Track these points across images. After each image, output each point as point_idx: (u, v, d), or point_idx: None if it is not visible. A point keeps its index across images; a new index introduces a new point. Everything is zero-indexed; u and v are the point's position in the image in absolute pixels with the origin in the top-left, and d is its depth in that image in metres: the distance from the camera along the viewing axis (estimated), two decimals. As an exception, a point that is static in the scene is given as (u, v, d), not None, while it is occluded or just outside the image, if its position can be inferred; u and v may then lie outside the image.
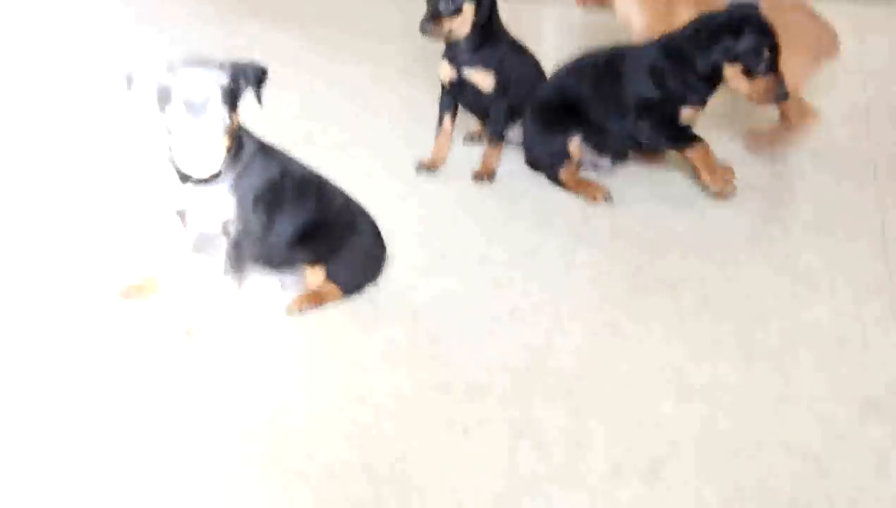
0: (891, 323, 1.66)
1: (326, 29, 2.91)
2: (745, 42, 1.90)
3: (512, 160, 2.18)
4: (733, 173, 2.01)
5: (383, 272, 1.78)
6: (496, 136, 2.14)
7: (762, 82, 1.92)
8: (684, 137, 2.00)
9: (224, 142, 1.55)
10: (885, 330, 1.65)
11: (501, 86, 2.11)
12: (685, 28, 1.97)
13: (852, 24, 2.86)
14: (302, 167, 1.70)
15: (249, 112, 1.60)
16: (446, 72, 2.14)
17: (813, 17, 2.07)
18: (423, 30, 2.05)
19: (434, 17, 2.04)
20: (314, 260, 1.72)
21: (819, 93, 2.45)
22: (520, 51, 2.17)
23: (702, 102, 1.99)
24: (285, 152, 1.69)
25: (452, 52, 2.11)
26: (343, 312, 1.71)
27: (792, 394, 1.52)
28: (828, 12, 2.81)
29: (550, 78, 2.12)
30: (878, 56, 2.66)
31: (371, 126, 2.36)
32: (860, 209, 1.98)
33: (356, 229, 1.74)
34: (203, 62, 1.56)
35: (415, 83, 2.56)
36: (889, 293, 1.73)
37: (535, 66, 2.20)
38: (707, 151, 1.99)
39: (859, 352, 1.60)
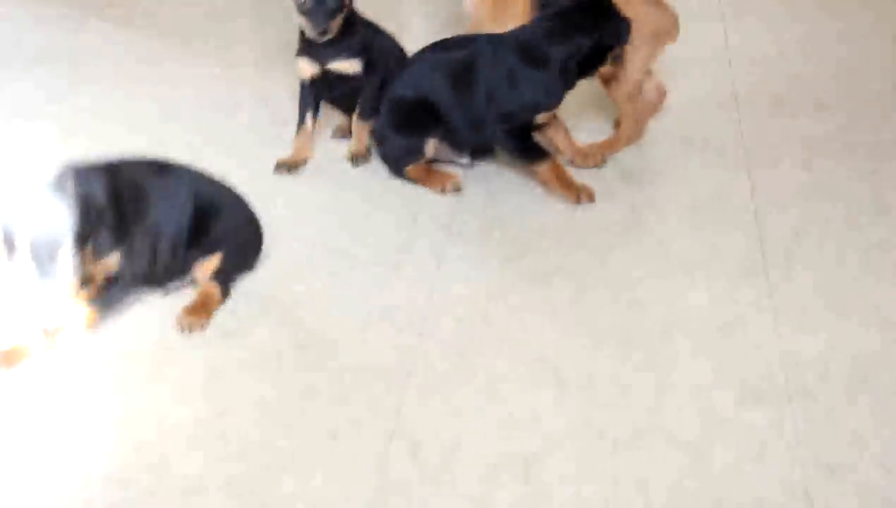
0: (767, 308, 1.74)
1: (178, 26, 2.89)
2: (611, 25, 1.99)
3: (376, 157, 2.21)
4: (590, 189, 2.08)
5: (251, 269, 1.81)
6: (366, 113, 2.18)
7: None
8: (536, 152, 2.06)
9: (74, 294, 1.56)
10: (762, 314, 1.73)
11: (370, 66, 2.16)
12: (537, 22, 2.03)
13: (724, 9, 2.98)
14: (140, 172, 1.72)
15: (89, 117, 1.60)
16: (307, 68, 2.17)
17: (652, 1, 2.15)
18: (322, 32, 2.08)
19: (329, 17, 2.08)
20: (207, 251, 1.75)
21: (690, 79, 2.55)
22: (376, 29, 2.22)
23: (559, 103, 2.06)
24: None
25: (312, 48, 2.14)
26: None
27: (670, 383, 1.59)
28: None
29: (407, 70, 2.13)
30: (751, 42, 2.77)
31: (228, 126, 2.37)
32: (734, 195, 2.07)
33: (235, 213, 1.80)
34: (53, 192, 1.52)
35: (272, 80, 2.57)
36: (764, 277, 1.82)
37: (394, 41, 2.26)
38: (558, 166, 2.07)
39: (737, 338, 1.68)
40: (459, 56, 2.07)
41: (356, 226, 1.99)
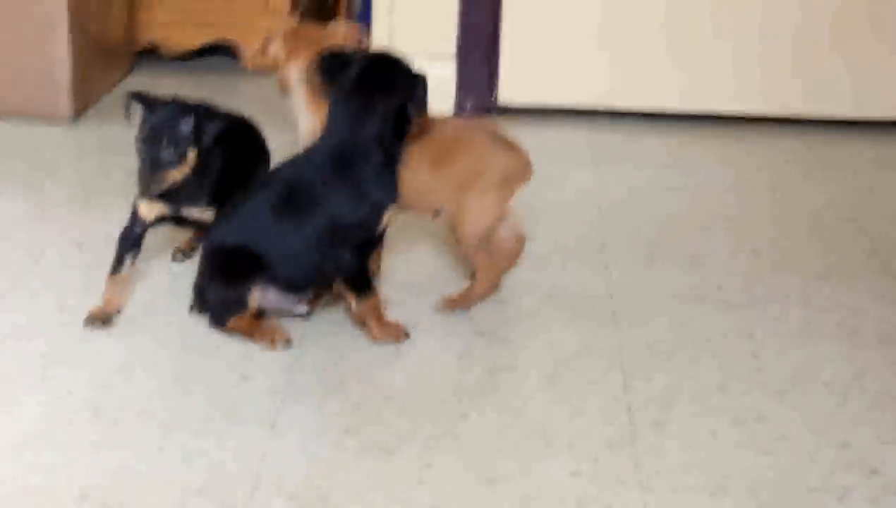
0: (634, 485, 1.73)
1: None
2: (421, 87, 2.02)
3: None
4: (404, 330, 2.09)
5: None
6: None
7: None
8: (369, 282, 2.06)
9: None
10: (629, 492, 1.71)
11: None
12: (332, 115, 2.03)
13: (589, 154, 3.05)
14: None
15: None
16: (154, 210, 2.10)
17: (501, 142, 2.18)
18: (148, 190, 2.01)
19: (155, 172, 2.00)
20: None
21: (556, 226, 2.58)
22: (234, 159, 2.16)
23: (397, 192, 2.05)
24: None
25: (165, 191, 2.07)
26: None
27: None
28: (563, 139, 3.00)
29: (224, 215, 2.09)
30: (622, 188, 2.84)
31: (35, 271, 2.30)
32: (601, 355, 2.08)
33: None
34: None
35: (86, 221, 2.52)
36: (631, 449, 1.81)
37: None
38: (379, 301, 2.07)
39: (601, 518, 1.66)
40: (277, 190, 2.04)
41: (174, 386, 1.93)
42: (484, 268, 2.19)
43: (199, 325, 2.10)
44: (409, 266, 2.39)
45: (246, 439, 1.80)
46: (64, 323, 2.11)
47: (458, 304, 2.20)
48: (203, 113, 2.06)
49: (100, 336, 2.07)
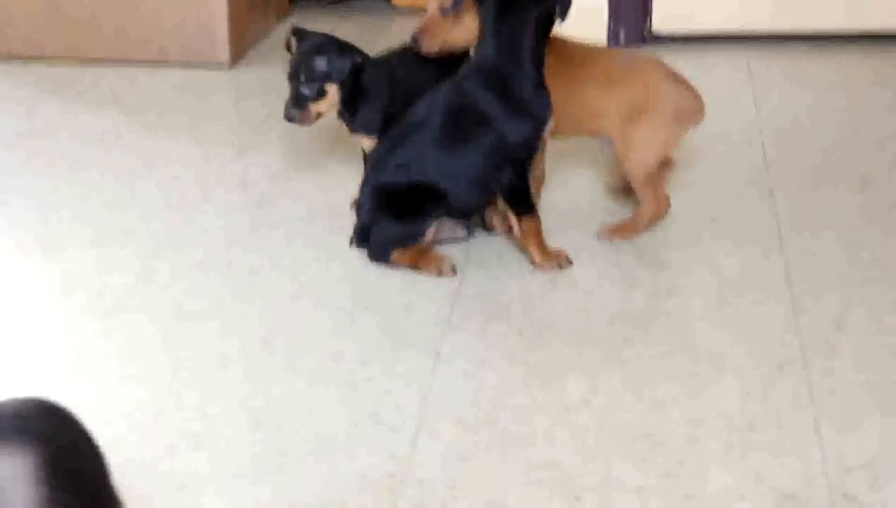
0: (806, 406, 1.70)
1: (144, 108, 2.91)
2: None
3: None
4: (566, 256, 2.09)
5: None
6: None
7: None
8: (530, 201, 2.07)
9: None
10: (801, 413, 1.69)
11: None
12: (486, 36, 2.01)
13: (748, 79, 2.99)
14: None
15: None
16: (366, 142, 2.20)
17: (674, 79, 2.15)
18: (289, 117, 2.12)
19: (298, 103, 2.10)
20: None
21: (717, 152, 2.54)
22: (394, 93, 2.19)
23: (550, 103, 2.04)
24: None
25: (344, 119, 2.18)
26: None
27: (699, 494, 1.54)
28: (720, 65, 2.93)
29: (388, 147, 2.10)
30: (785, 112, 2.78)
31: (201, 213, 2.36)
32: (767, 279, 2.04)
33: None
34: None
35: (250, 163, 2.57)
36: (803, 371, 1.78)
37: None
38: (540, 225, 2.08)
39: (773, 440, 1.64)
40: (439, 118, 2.05)
41: (339, 318, 1.96)
42: (648, 200, 2.17)
43: (362, 258, 2.13)
44: (569, 194, 2.38)
45: (412, 367, 1.82)
46: (233, 257, 2.17)
47: (619, 234, 2.19)
48: (336, 49, 2.12)
49: (268, 269, 2.11)
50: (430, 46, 2.06)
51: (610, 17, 3.20)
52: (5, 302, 2.04)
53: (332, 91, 2.11)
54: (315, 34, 2.16)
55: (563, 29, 2.99)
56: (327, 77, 2.10)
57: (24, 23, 3.17)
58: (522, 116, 2.02)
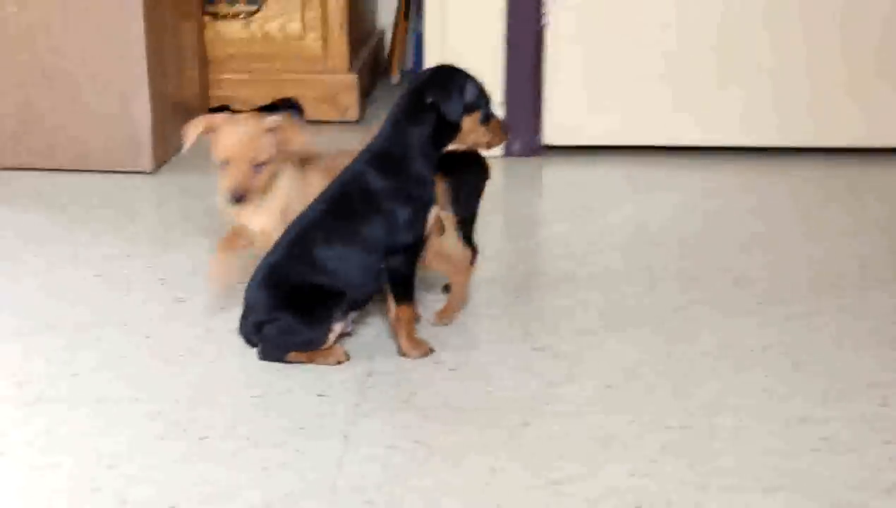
0: (690, 481, 1.68)
1: (72, 209, 2.84)
2: (470, 90, 1.98)
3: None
4: (429, 347, 2.06)
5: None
6: None
7: (495, 123, 2.04)
8: (412, 287, 2.03)
9: None
10: (686, 488, 1.66)
11: None
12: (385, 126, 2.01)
13: (628, 185, 3.02)
14: None
15: None
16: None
17: None
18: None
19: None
20: None
21: (601, 253, 2.55)
22: None
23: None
24: None
25: None
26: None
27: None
28: (605, 173, 2.96)
29: (289, 248, 2.01)
30: (658, 215, 2.80)
31: (121, 303, 2.29)
32: (651, 370, 2.03)
33: None
34: None
35: (168, 260, 2.51)
36: (685, 447, 1.76)
37: None
38: (414, 315, 2.06)
39: (662, 515, 1.61)
40: (331, 212, 2.00)
41: (256, 406, 1.90)
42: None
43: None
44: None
45: (323, 450, 1.76)
46: (151, 350, 2.10)
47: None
48: None
49: (182, 363, 2.04)
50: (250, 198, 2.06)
51: (506, 131, 3.21)
52: (-71, 392, 1.94)
53: None
54: None
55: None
56: None
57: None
58: (407, 201, 1.98)
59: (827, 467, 1.71)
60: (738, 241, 2.62)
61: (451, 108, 1.95)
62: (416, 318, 2.09)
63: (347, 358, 2.03)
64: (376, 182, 1.98)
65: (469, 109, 1.99)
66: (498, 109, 2.09)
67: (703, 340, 2.13)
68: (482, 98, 2.01)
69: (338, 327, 2.01)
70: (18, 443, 1.78)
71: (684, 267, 2.47)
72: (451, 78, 1.99)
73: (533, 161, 3.20)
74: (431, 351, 2.06)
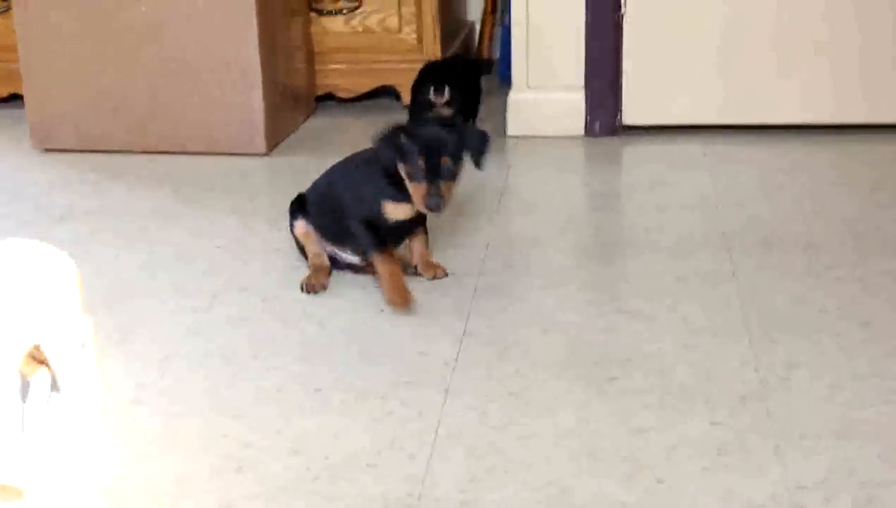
0: (769, 433, 1.65)
1: (194, 189, 2.88)
2: (405, 146, 2.02)
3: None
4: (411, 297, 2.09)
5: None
6: (426, 233, 2.23)
7: (420, 188, 2.02)
8: (372, 245, 2.11)
9: None
10: (764, 439, 1.63)
11: None
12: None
13: (704, 161, 2.97)
14: None
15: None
16: (406, 210, 2.11)
17: None
18: (434, 206, 2.02)
19: (439, 189, 2.01)
20: None
21: (678, 223, 2.51)
22: None
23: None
24: None
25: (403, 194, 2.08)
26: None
27: (680, 506, 1.49)
28: (682, 150, 2.91)
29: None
30: (733, 190, 2.75)
31: (241, 272, 2.32)
32: (728, 326, 2.00)
33: None
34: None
35: (282, 234, 2.53)
36: (761, 399, 1.73)
37: None
38: (391, 270, 2.09)
39: (740, 462, 1.58)
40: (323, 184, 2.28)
41: (364, 358, 1.91)
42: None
43: (378, 310, 2.09)
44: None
45: (426, 401, 1.77)
46: (270, 310, 2.12)
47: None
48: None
49: (295, 323, 2.06)
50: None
51: (587, 113, 3.18)
52: (74, 347, 1.98)
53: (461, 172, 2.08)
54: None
55: (546, 121, 3.00)
56: (460, 156, 2.06)
57: (94, 121, 3.16)
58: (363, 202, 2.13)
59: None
60: (806, 211, 2.57)
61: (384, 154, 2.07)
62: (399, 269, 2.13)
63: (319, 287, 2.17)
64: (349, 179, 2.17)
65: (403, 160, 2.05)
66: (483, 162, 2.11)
67: (777, 301, 2.09)
68: (415, 158, 2.02)
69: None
70: (154, 394, 1.82)
71: (756, 234, 2.43)
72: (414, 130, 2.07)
73: (613, 140, 3.17)
74: (413, 301, 2.09)
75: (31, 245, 1.66)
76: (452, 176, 2.04)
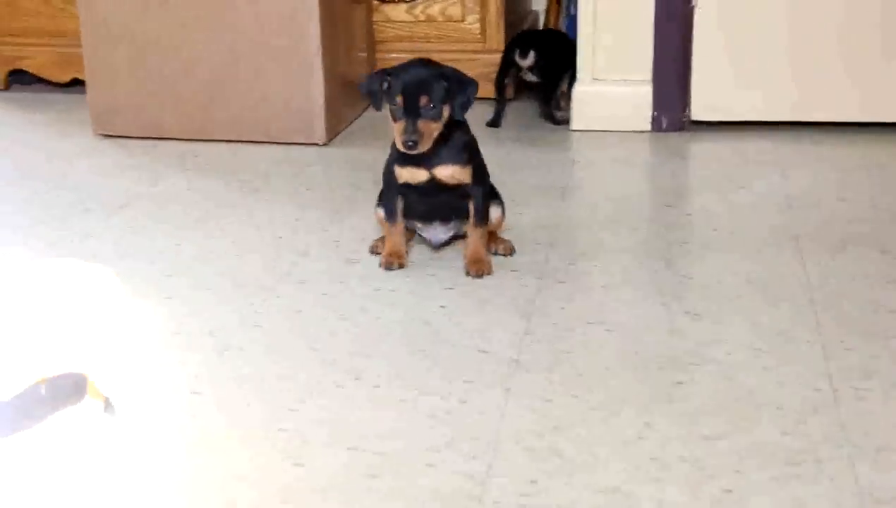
0: (840, 441, 1.62)
1: (252, 177, 2.90)
2: (389, 85, 2.09)
3: (444, 265, 2.15)
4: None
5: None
6: (482, 221, 2.20)
7: (399, 126, 2.08)
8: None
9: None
10: (836, 449, 1.60)
11: (477, 174, 2.18)
12: None
13: (776, 159, 2.92)
14: None
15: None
16: (413, 175, 2.14)
17: None
18: (410, 144, 2.05)
19: (416, 127, 2.04)
20: None
21: (748, 222, 2.48)
22: (469, 131, 2.21)
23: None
24: None
25: (412, 157, 2.10)
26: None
27: (745, 517, 1.46)
28: (751, 147, 2.87)
29: None
30: (806, 190, 2.71)
31: (299, 264, 2.32)
32: (799, 332, 1.96)
33: None
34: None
35: (340, 224, 2.54)
36: (834, 408, 1.70)
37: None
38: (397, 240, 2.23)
39: (811, 472, 1.55)
40: None
41: (425, 356, 1.91)
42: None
43: (438, 307, 2.08)
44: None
45: (486, 401, 1.76)
46: (327, 304, 2.12)
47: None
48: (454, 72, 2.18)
49: (353, 318, 2.06)
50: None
51: (654, 108, 3.15)
52: (132, 337, 2.01)
53: (446, 115, 2.09)
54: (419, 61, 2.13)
55: (610, 118, 2.97)
56: (445, 99, 2.07)
57: (154, 109, 3.19)
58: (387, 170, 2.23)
59: (976, 431, 1.63)
60: (882, 212, 2.52)
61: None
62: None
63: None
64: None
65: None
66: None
67: (851, 305, 2.05)
68: (395, 97, 2.06)
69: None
70: (213, 385, 1.83)
71: (830, 235, 2.38)
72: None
73: (680, 136, 3.13)
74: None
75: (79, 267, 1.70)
76: (431, 116, 2.06)
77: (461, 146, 2.16)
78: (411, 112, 2.05)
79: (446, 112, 2.09)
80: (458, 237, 2.30)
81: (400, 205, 2.21)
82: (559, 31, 3.56)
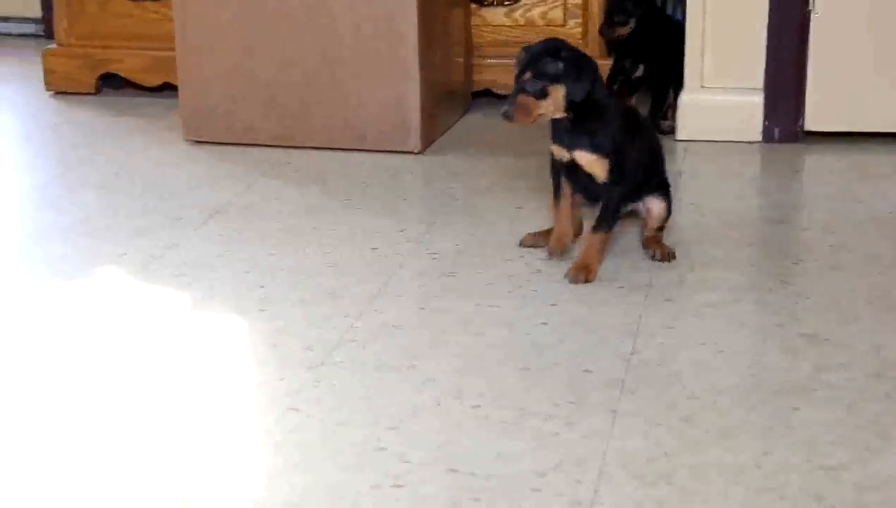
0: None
1: (346, 186, 2.93)
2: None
3: (547, 280, 2.15)
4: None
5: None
6: (604, 224, 2.21)
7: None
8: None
9: None
10: (967, 482, 1.57)
11: (616, 172, 2.17)
12: None
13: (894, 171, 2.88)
14: None
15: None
16: (559, 151, 2.23)
17: None
18: (505, 115, 2.13)
19: (515, 100, 2.13)
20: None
21: (867, 239, 2.43)
22: (635, 129, 2.23)
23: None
24: None
25: (559, 134, 2.21)
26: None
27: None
28: (870, 159, 2.79)
29: None
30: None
31: (396, 276, 2.35)
32: (925, 356, 1.93)
33: None
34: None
35: (437, 236, 2.55)
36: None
37: (652, 146, 2.30)
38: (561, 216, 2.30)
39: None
40: None
41: (527, 374, 1.91)
42: None
43: (539, 324, 2.09)
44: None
45: (592, 423, 1.76)
46: (424, 318, 2.14)
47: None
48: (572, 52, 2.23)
49: (453, 333, 2.08)
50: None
51: (765, 118, 3.12)
52: (226, 353, 2.05)
53: (557, 95, 2.13)
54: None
55: (718, 128, 2.95)
56: (555, 78, 2.12)
57: (246, 115, 3.24)
58: None
59: None
60: None
61: None
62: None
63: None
64: None
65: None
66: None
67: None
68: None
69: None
70: (309, 402, 1.85)
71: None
72: None
73: (793, 147, 3.09)
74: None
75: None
76: (533, 91, 2.13)
77: (606, 134, 2.20)
78: (516, 85, 2.15)
79: (557, 92, 2.13)
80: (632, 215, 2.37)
81: (563, 184, 2.28)
82: (671, 25, 3.43)
